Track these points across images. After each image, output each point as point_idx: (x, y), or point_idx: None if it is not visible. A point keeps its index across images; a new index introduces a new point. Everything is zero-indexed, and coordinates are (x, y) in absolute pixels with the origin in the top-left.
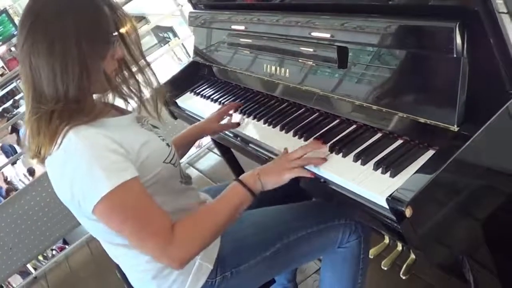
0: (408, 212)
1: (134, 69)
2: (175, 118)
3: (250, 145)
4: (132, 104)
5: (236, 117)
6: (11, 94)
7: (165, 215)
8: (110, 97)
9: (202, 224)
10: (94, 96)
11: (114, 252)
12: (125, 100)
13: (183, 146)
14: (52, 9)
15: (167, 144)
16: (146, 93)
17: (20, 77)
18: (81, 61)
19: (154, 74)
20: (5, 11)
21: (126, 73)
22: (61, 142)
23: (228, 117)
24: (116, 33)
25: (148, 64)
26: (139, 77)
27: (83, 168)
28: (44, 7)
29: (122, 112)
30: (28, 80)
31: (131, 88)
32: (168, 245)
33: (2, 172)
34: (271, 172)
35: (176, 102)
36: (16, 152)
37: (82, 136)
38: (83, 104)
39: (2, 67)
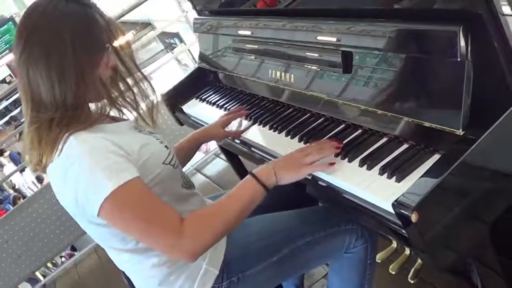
0: (414, 217)
1: (130, 81)
2: (181, 124)
3: (255, 151)
4: (128, 115)
5: (243, 123)
6: (19, 102)
7: (171, 209)
8: (106, 108)
9: (213, 217)
10: (91, 106)
11: (119, 259)
12: (120, 111)
13: (188, 150)
14: (47, 19)
15: (166, 146)
16: (143, 105)
17: None
18: (77, 69)
19: (150, 85)
20: (11, 19)
21: (121, 85)
22: (62, 148)
23: (239, 120)
24: (108, 45)
25: (144, 76)
26: (135, 88)
27: (85, 172)
28: (39, 18)
29: (117, 120)
30: (26, 91)
31: (127, 99)
32: (179, 238)
33: (10, 180)
34: (287, 168)
35: (182, 109)
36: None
37: (82, 141)
38: (80, 111)
39: (10, 75)
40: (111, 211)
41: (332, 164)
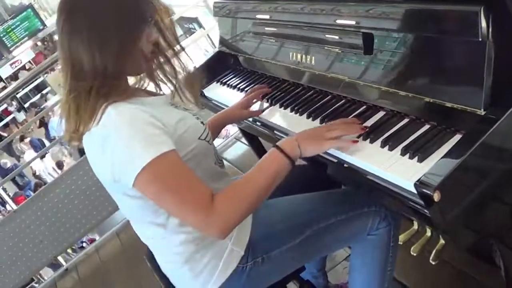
0: (436, 196)
1: (169, 55)
2: (202, 108)
3: (277, 133)
4: (164, 90)
5: (264, 104)
6: (39, 88)
7: (202, 184)
8: (145, 82)
9: (242, 192)
10: (130, 80)
11: (148, 233)
12: (158, 86)
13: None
14: None
15: (202, 122)
16: (181, 79)
17: (47, 71)
18: (119, 40)
19: (190, 58)
20: (30, 6)
21: (161, 59)
22: (101, 117)
23: (258, 102)
24: (151, 18)
25: (183, 49)
26: (175, 62)
27: (123, 142)
28: None
29: (154, 95)
30: (67, 60)
31: (166, 74)
32: (209, 214)
33: (31, 167)
34: (311, 140)
35: (202, 92)
36: (45, 146)
37: (121, 111)
38: (119, 83)
39: (29, 61)
40: (146, 182)
41: (355, 141)
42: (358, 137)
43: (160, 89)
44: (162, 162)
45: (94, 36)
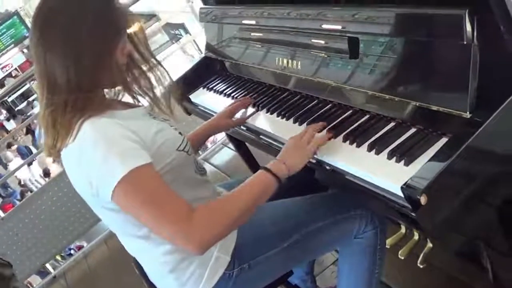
0: (423, 200)
1: (144, 68)
2: (189, 114)
3: (264, 138)
4: (143, 102)
5: (249, 110)
6: (26, 95)
7: (181, 198)
8: (120, 95)
9: (224, 209)
10: (105, 93)
11: (132, 245)
12: (135, 98)
13: (196, 143)
14: (65, 2)
15: (180, 133)
16: (158, 91)
17: (33, 78)
18: (94, 53)
19: (166, 71)
20: (16, 13)
21: (136, 72)
22: (77, 133)
23: (243, 110)
24: (124, 30)
25: (159, 63)
26: (150, 75)
27: (99, 156)
28: (56, 1)
29: (131, 107)
30: (42, 74)
31: (142, 87)
32: (186, 227)
33: (16, 176)
34: (295, 155)
35: (189, 98)
36: (32, 153)
37: (97, 126)
38: (94, 95)
39: (15, 69)
40: (123, 195)
41: (330, 134)
42: (344, 141)
43: (138, 101)
44: (138, 175)
45: (69, 50)
